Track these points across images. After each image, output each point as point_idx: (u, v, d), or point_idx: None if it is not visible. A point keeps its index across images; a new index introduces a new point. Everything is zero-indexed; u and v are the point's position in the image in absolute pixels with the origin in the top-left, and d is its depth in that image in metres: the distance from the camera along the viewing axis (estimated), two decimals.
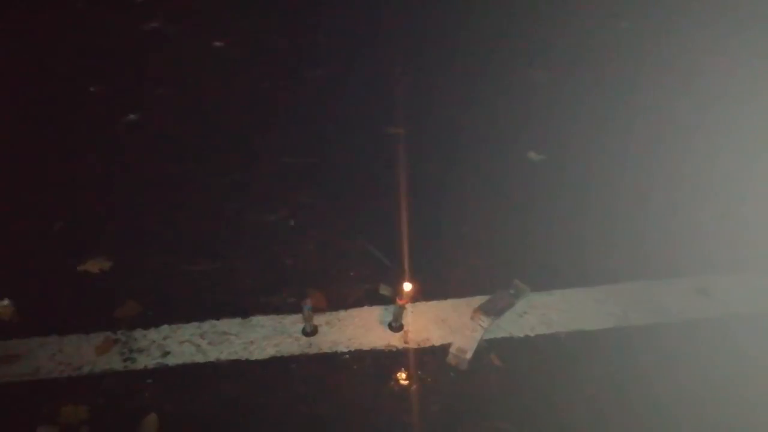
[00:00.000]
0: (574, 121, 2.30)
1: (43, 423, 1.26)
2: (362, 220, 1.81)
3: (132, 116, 2.25)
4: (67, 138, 2.13)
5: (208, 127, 2.21)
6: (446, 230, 1.80)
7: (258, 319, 1.50)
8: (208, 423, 1.29)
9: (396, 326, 1.47)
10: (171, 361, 1.40)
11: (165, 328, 1.47)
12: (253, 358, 1.41)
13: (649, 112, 2.36)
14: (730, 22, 2.96)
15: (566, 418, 1.31)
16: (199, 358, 1.40)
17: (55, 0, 3.07)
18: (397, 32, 2.90)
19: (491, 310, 1.49)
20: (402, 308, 1.43)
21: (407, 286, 1.39)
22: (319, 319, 1.49)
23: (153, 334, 1.46)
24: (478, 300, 1.53)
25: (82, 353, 1.40)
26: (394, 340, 1.46)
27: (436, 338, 1.46)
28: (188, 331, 1.47)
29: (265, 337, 1.46)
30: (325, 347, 1.44)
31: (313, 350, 1.43)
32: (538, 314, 1.54)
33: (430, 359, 1.42)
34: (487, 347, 1.45)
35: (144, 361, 1.39)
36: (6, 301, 1.52)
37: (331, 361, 1.41)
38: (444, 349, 1.43)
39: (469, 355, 1.40)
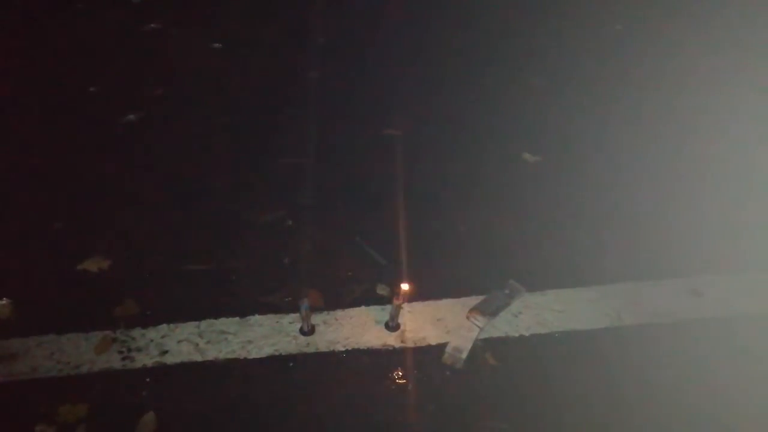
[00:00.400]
0: (569, 123, 2.32)
1: (42, 422, 1.26)
2: (359, 221, 1.82)
3: (132, 116, 2.26)
4: (67, 138, 2.14)
5: (207, 128, 2.23)
6: (442, 230, 1.81)
7: (256, 319, 1.51)
8: (206, 422, 1.29)
9: (393, 326, 1.49)
10: (169, 360, 1.40)
11: (163, 327, 1.48)
12: (251, 357, 1.41)
13: (644, 113, 2.38)
14: (724, 24, 2.99)
15: (561, 417, 1.32)
16: (198, 357, 1.41)
17: (55, 0, 3.08)
18: (397, 34, 2.92)
19: (487, 310, 1.51)
20: (399, 308, 1.44)
21: (404, 286, 1.41)
22: (316, 319, 1.50)
23: (151, 333, 1.46)
24: (474, 300, 1.55)
25: (81, 352, 1.41)
26: (391, 340, 1.47)
27: (432, 338, 1.48)
28: (186, 330, 1.48)
29: (263, 336, 1.47)
30: (323, 346, 1.45)
31: (311, 349, 1.44)
32: (533, 314, 1.55)
33: (427, 358, 1.43)
34: (482, 347, 1.46)
35: (142, 360, 1.40)
36: (4, 300, 1.53)
37: (328, 360, 1.42)
38: (440, 348, 1.44)
39: (464, 355, 1.41)
